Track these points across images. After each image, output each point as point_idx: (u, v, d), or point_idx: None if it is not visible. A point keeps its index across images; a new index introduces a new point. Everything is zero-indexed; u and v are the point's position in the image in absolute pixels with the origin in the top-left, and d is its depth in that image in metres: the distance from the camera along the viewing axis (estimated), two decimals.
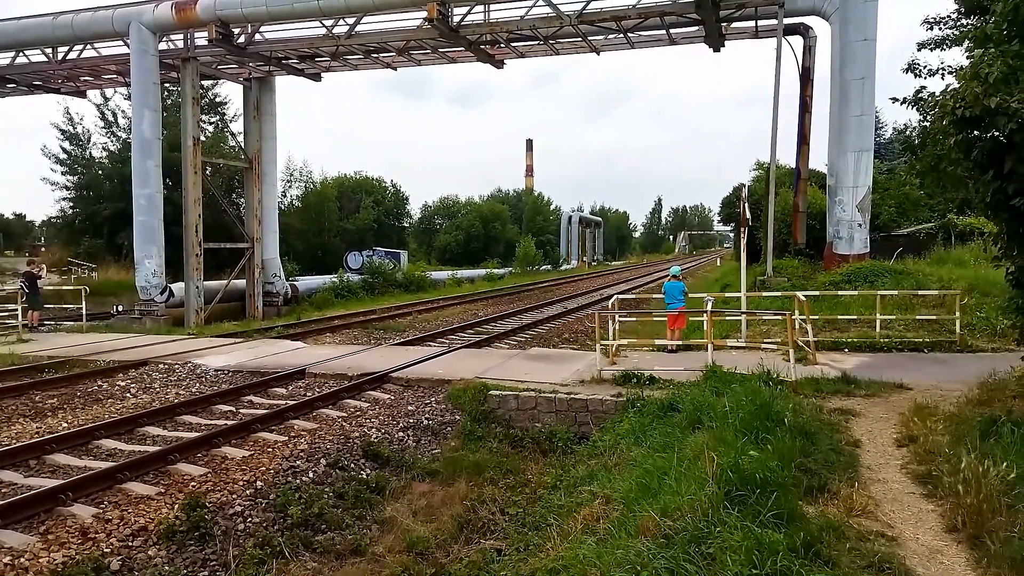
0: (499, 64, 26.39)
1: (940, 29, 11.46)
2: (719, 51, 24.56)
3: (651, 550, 4.75)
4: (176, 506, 7.09)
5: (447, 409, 11.11)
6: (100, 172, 41.03)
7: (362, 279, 37.19)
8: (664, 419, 8.82)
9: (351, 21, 23.52)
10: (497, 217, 75.70)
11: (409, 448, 9.81)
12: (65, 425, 10.22)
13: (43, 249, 44.14)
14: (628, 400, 10.14)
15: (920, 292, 15.75)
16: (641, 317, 17.81)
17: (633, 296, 24.68)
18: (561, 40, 24.46)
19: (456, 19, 22.55)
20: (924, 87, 8.51)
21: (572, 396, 10.72)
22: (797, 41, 23.26)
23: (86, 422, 10.26)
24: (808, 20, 23.00)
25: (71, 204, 42.36)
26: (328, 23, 24.00)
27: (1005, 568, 4.51)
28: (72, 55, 27.40)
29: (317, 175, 58.38)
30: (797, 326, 12.47)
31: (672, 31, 23.54)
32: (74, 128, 41.91)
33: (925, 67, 9.55)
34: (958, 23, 11.18)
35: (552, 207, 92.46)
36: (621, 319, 15.36)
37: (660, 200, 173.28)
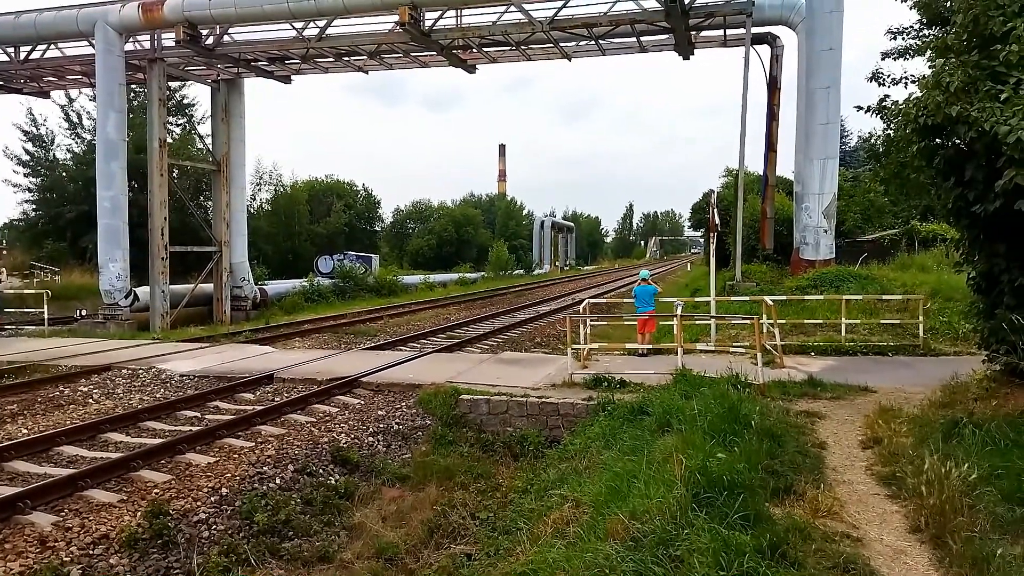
0: (471, 69, 26.40)
1: (903, 39, 11.69)
2: (689, 59, 24.86)
3: (620, 553, 4.76)
4: (139, 514, 6.95)
5: (418, 414, 11.04)
6: (64, 174, 40.27)
7: (333, 283, 36.88)
8: (634, 422, 8.86)
9: (322, 23, 23.34)
10: (470, 222, 75.56)
11: (379, 453, 9.72)
12: (25, 431, 9.96)
13: (4, 252, 43.06)
14: (599, 404, 10.16)
15: (884, 297, 16.04)
16: (612, 321, 17.90)
17: (604, 300, 24.78)
18: (533, 46, 24.54)
19: (428, 23, 22.48)
20: (888, 96, 8.69)
21: (543, 400, 10.72)
22: (765, 50, 23.62)
23: (47, 428, 10.01)
24: (775, 29, 23.37)
25: (34, 206, 41.55)
26: (298, 25, 23.81)
27: (967, 568, 4.59)
28: (35, 55, 26.84)
29: (287, 178, 57.96)
30: (765, 330, 12.62)
31: (643, 39, 23.74)
32: (37, 129, 41.19)
33: (889, 76, 9.74)
34: (920, 33, 11.41)
35: (525, 212, 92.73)
36: (592, 323, 15.42)
37: (631, 206, 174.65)
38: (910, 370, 11.96)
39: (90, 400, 12.01)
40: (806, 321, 15.57)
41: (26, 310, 23.45)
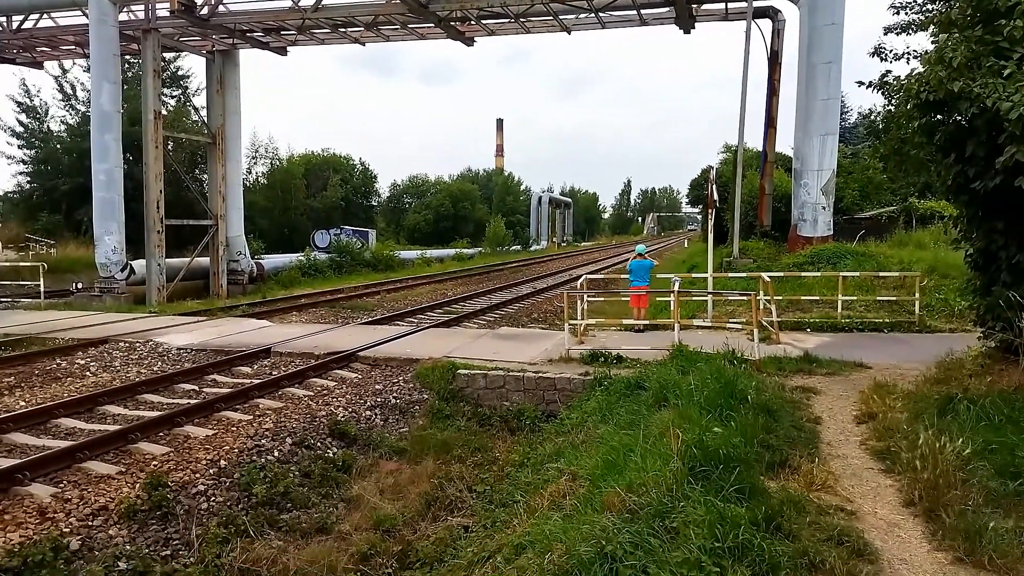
0: (469, 42, 26.10)
1: (906, 14, 11.54)
2: (689, 33, 24.61)
3: (616, 525, 4.79)
4: (138, 485, 6.99)
5: (415, 388, 11.08)
6: (58, 146, 39.90)
7: (329, 258, 36.82)
8: (631, 397, 8.89)
9: None
10: (467, 197, 75.24)
11: (376, 427, 9.77)
12: (22, 404, 9.98)
13: None
14: (595, 379, 10.19)
15: (881, 274, 16.05)
16: (609, 297, 17.92)
17: (602, 277, 24.79)
18: (532, 18, 24.24)
19: None
20: (889, 71, 8.62)
21: (540, 375, 10.76)
22: (766, 24, 23.35)
23: (44, 400, 10.04)
24: (777, 3, 23.12)
25: (28, 178, 41.20)
26: None
27: (959, 540, 4.64)
28: (28, 24, 26.50)
29: (283, 152, 57.55)
30: (761, 306, 12.64)
31: (643, 11, 23.48)
32: (31, 100, 40.76)
33: (891, 51, 9.65)
34: (924, 8, 11.28)
35: (522, 187, 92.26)
36: (589, 299, 15.44)
37: (629, 182, 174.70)
38: (905, 347, 12.00)
39: (87, 373, 12.02)
40: (803, 298, 15.58)
41: (21, 283, 23.36)
